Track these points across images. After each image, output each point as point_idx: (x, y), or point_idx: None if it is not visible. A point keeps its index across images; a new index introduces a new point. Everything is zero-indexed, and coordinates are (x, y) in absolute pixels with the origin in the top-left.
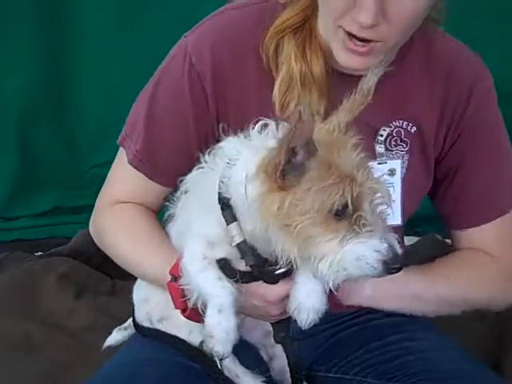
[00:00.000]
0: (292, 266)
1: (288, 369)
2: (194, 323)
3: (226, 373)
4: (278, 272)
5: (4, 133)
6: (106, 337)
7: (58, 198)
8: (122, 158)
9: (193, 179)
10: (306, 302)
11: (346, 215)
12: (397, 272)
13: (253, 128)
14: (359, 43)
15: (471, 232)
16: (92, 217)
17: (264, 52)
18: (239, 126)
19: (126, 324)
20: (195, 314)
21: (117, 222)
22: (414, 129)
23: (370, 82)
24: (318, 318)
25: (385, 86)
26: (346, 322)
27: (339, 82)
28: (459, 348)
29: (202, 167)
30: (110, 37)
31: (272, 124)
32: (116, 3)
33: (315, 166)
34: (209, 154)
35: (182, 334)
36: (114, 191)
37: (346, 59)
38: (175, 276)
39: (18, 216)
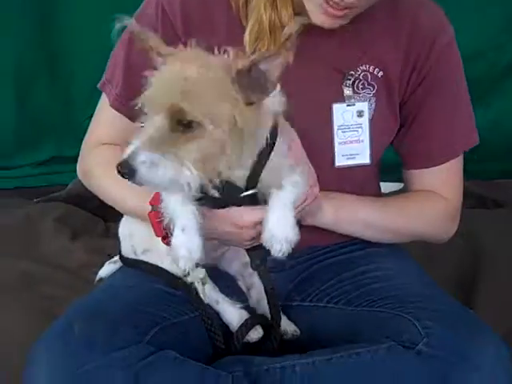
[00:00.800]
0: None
1: (265, 297)
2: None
3: (206, 299)
4: (243, 194)
5: (1, 85)
6: None
7: (55, 148)
8: (104, 102)
9: None
10: (279, 232)
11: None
12: (123, 175)
13: None
14: (335, 6)
15: (423, 173)
16: (78, 159)
17: (234, 1)
18: None
19: (116, 258)
20: None
21: (102, 163)
22: (381, 73)
23: (287, 31)
24: (291, 249)
25: (352, 32)
26: (319, 255)
27: (308, 27)
28: (425, 276)
29: None
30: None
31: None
32: None
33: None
34: None
35: (165, 265)
36: (98, 133)
37: (321, 20)
38: (156, 206)
39: (18, 165)
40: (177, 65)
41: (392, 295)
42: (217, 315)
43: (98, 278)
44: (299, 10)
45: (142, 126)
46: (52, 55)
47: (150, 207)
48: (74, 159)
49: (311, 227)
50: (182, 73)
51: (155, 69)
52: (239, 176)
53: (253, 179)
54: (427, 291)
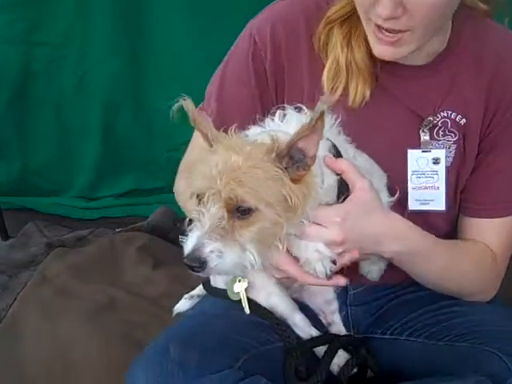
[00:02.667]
0: None
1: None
2: (271, 287)
3: (301, 333)
4: None
5: (89, 121)
6: None
7: (136, 179)
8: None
9: None
10: None
11: (196, 208)
12: (193, 270)
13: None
14: (387, 33)
15: (480, 223)
16: (176, 176)
17: (316, 41)
18: (293, 97)
19: (192, 292)
20: None
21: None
22: (464, 121)
23: (317, 110)
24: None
25: (434, 76)
26: (399, 291)
27: (386, 65)
28: (507, 309)
29: None
30: (182, 30)
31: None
32: (187, 5)
33: (203, 157)
34: None
35: (261, 298)
36: (189, 158)
37: (379, 50)
38: None
39: (101, 196)
40: (224, 155)
41: (476, 330)
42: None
43: (175, 313)
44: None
45: (197, 215)
46: (138, 91)
47: None
48: (153, 191)
49: (389, 265)
50: (231, 163)
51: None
52: None
53: None
54: None
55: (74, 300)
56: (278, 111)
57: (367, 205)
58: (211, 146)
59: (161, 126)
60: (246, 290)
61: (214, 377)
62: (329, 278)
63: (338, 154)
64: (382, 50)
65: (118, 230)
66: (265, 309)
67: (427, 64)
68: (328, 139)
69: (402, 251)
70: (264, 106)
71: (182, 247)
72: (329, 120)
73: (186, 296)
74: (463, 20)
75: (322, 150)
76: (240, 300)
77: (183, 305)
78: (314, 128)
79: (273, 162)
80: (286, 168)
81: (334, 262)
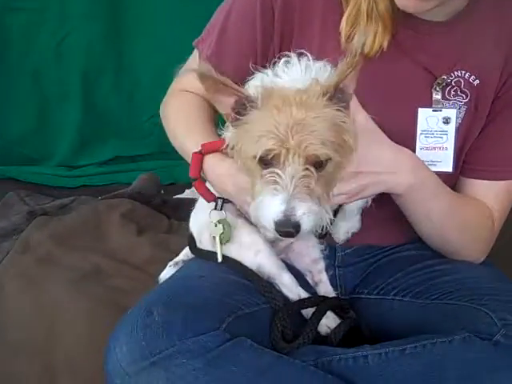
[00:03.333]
0: None
1: (333, 293)
2: (260, 245)
3: (289, 294)
4: None
5: (69, 87)
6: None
7: (119, 147)
8: (195, 55)
9: None
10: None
11: (269, 167)
12: (287, 236)
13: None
14: None
15: (481, 184)
16: (163, 101)
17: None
18: (301, 48)
19: (176, 259)
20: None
21: (180, 109)
22: (477, 82)
23: (356, 44)
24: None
25: (451, 34)
26: (385, 251)
27: (403, 18)
28: (497, 271)
29: None
30: None
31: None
32: None
33: (254, 117)
34: None
35: (249, 256)
36: (183, 81)
37: (403, 4)
38: (196, 177)
39: (84, 164)
40: (284, 109)
41: (463, 288)
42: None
43: (160, 281)
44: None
45: (271, 173)
46: (117, 55)
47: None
48: (137, 158)
49: (378, 227)
50: (295, 117)
51: None
52: None
53: None
54: (500, 284)
55: (57, 267)
56: (290, 59)
57: (374, 133)
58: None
59: (143, 92)
60: (233, 248)
61: (198, 338)
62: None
63: None
64: (405, 3)
65: (100, 197)
66: (251, 270)
67: (446, 21)
68: None
69: (416, 184)
70: (265, 52)
71: (165, 214)
72: None
73: (171, 263)
74: None
75: None
76: (226, 259)
77: (168, 272)
78: (356, 65)
79: (331, 107)
80: (341, 109)
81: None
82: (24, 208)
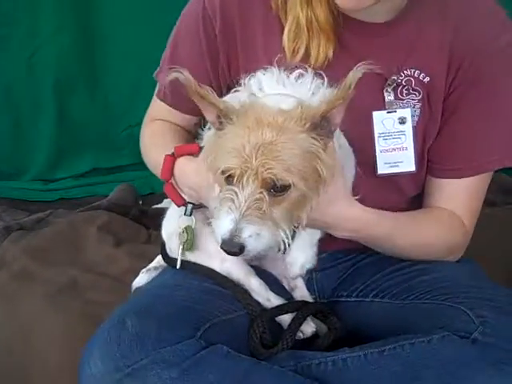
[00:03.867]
0: None
1: (310, 298)
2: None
3: (259, 298)
4: None
5: (42, 100)
6: None
7: (96, 159)
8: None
9: None
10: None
11: (230, 185)
12: (231, 255)
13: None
14: None
15: (450, 184)
16: (140, 134)
17: (273, 1)
18: (248, 69)
19: (149, 266)
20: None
21: (150, 136)
22: (428, 79)
23: (351, 78)
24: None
25: (395, 33)
26: (363, 254)
27: (346, 24)
28: (475, 268)
29: None
30: (135, 4)
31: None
32: None
33: (228, 132)
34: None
35: (215, 264)
36: (152, 112)
37: (340, 1)
38: (167, 180)
39: (60, 178)
40: (255, 128)
41: (440, 287)
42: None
43: (133, 288)
44: (334, 5)
45: (229, 195)
46: (90, 66)
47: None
48: (114, 170)
49: None
50: (264, 138)
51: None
52: None
53: None
54: (477, 282)
55: (33, 282)
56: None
57: (334, 193)
58: (222, 118)
59: (117, 103)
60: (202, 256)
61: (173, 348)
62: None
63: None
64: (344, 0)
65: (78, 210)
66: (225, 277)
67: (390, 21)
68: None
69: (355, 237)
70: (215, 73)
71: (143, 224)
72: None
73: (144, 270)
74: None
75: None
76: (199, 268)
77: (141, 279)
78: (344, 97)
79: (308, 134)
80: (318, 139)
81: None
82: (0, 224)
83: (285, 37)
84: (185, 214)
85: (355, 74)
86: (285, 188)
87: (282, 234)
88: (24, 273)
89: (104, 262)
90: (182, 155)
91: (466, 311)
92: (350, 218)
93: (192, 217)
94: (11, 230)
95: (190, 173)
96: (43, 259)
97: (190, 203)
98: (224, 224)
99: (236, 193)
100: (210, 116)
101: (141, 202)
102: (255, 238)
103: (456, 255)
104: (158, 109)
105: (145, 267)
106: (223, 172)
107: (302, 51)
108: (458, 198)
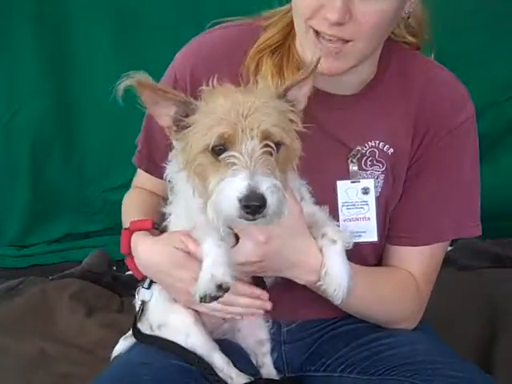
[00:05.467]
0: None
1: (276, 377)
2: (189, 327)
3: (221, 374)
4: None
5: (17, 165)
6: None
7: (70, 224)
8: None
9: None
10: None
11: (223, 155)
12: (254, 210)
13: None
14: (328, 44)
15: (405, 250)
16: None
17: (244, 71)
18: None
19: (128, 333)
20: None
21: (128, 202)
22: (391, 150)
23: (315, 60)
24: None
25: (362, 106)
26: (329, 325)
27: (315, 96)
28: (438, 341)
29: None
30: (112, 70)
31: None
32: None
33: (199, 116)
34: None
35: (180, 339)
36: (134, 181)
37: (324, 64)
38: (126, 253)
39: (33, 243)
40: (229, 96)
41: (407, 362)
42: None
43: (113, 355)
44: None
45: (228, 157)
46: (67, 132)
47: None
48: (88, 235)
49: (320, 300)
50: (242, 101)
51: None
52: None
53: None
54: (443, 358)
55: (3, 356)
56: None
57: (296, 230)
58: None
59: (94, 167)
60: (167, 331)
61: None
62: (203, 301)
63: None
64: (328, 64)
65: (50, 277)
66: (192, 353)
67: (355, 94)
68: None
69: (315, 282)
70: None
71: (116, 292)
72: None
73: (123, 337)
74: (391, 51)
75: None
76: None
77: (120, 346)
78: (309, 76)
79: (281, 99)
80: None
81: (221, 288)
82: None
83: None
84: (142, 286)
85: (316, 55)
86: (278, 144)
87: (286, 195)
88: None
89: (75, 333)
90: (136, 230)
91: None
92: (312, 254)
93: (150, 290)
94: None
95: (141, 250)
96: (13, 331)
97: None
98: (237, 184)
99: (235, 155)
100: (165, 120)
101: (114, 268)
102: (272, 190)
103: (411, 321)
104: (138, 175)
105: (118, 337)
106: (214, 146)
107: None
108: (414, 264)
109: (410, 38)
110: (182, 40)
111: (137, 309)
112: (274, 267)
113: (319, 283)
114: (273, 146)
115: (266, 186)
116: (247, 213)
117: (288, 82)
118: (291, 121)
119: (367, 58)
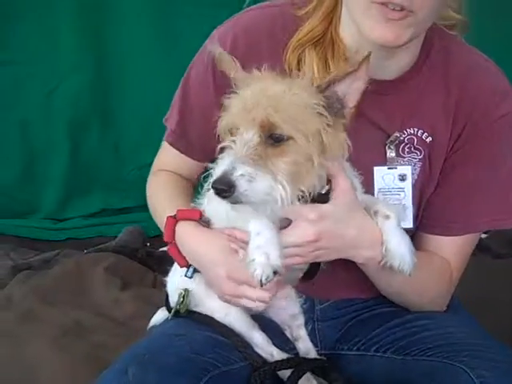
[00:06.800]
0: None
1: (313, 350)
2: (229, 307)
3: (260, 351)
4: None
5: (55, 139)
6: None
7: (105, 199)
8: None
9: None
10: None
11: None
12: (221, 194)
13: None
14: (393, 12)
15: (439, 240)
16: (147, 181)
17: (287, 66)
18: None
19: None
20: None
21: (155, 186)
22: (430, 139)
23: (362, 56)
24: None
25: (402, 92)
26: (365, 305)
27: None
28: (476, 324)
29: None
30: (148, 45)
31: None
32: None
33: (235, 95)
34: None
35: (218, 317)
36: (158, 162)
37: (380, 32)
38: (169, 241)
39: (69, 217)
40: (259, 84)
41: (443, 344)
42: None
43: (151, 324)
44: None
45: (229, 145)
46: (103, 107)
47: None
48: (122, 211)
49: (353, 281)
50: (267, 90)
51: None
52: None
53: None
54: (480, 340)
55: (39, 323)
56: None
57: (348, 206)
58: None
59: (129, 144)
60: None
61: None
62: (261, 284)
63: None
64: (386, 30)
65: (85, 251)
66: (226, 327)
67: (395, 79)
68: None
69: (376, 258)
70: None
71: (150, 267)
72: None
73: (160, 309)
74: (433, 37)
75: None
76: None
77: (159, 316)
78: (355, 73)
79: (313, 94)
80: (325, 107)
81: (276, 273)
82: (8, 263)
83: None
84: (185, 275)
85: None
86: (283, 139)
87: (281, 189)
88: (30, 314)
89: (109, 306)
90: (183, 219)
91: (467, 371)
92: (370, 228)
93: (192, 279)
94: (19, 270)
95: (188, 239)
96: (50, 300)
97: (192, 265)
98: (219, 166)
99: (234, 141)
100: None
101: (148, 244)
102: (248, 179)
103: (440, 304)
104: (164, 156)
105: (151, 311)
106: (228, 130)
107: None
108: (447, 252)
109: (457, 16)
110: (219, 17)
111: (169, 292)
112: (333, 246)
113: (384, 260)
114: (262, 136)
115: (240, 172)
116: (216, 194)
117: (331, 75)
118: (322, 116)
119: (416, 38)
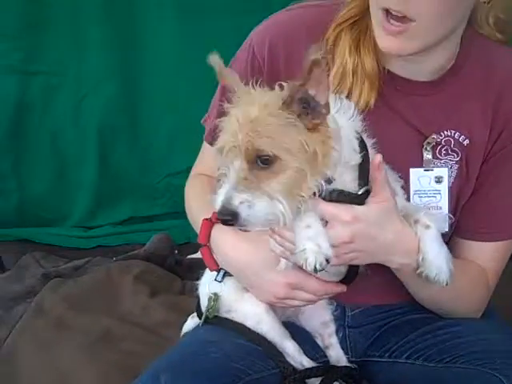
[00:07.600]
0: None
1: (344, 358)
2: (262, 315)
3: (291, 361)
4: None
5: (87, 147)
6: (179, 330)
7: (134, 207)
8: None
9: None
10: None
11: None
12: (227, 224)
13: None
14: (394, 23)
15: (476, 245)
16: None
17: (324, 44)
18: None
19: None
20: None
21: (192, 191)
22: (467, 141)
23: (308, 61)
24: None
25: (439, 93)
26: (395, 313)
27: (391, 80)
28: (509, 330)
29: None
30: (179, 55)
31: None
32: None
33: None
34: None
35: (250, 324)
36: (198, 164)
37: (384, 42)
38: (203, 244)
39: (99, 225)
40: (242, 108)
41: (476, 351)
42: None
43: (182, 333)
44: (381, 56)
45: (224, 172)
46: (132, 116)
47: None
48: (152, 219)
49: (382, 287)
50: (247, 115)
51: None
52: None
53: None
54: None
55: (70, 331)
56: None
57: (386, 212)
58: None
59: (158, 152)
60: (237, 317)
61: None
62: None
63: (363, 146)
64: (388, 43)
65: (114, 258)
66: (258, 334)
67: (433, 81)
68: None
69: (411, 265)
70: None
71: (178, 274)
72: (352, 112)
73: (191, 316)
74: (473, 39)
75: (349, 128)
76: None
77: (190, 324)
78: (309, 81)
79: (283, 109)
80: (299, 115)
81: (328, 261)
82: (39, 270)
83: (330, 78)
84: (215, 279)
85: (309, 55)
86: (270, 160)
87: (280, 206)
88: (61, 321)
89: (139, 313)
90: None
91: (501, 378)
92: (407, 235)
93: (222, 283)
94: (49, 278)
95: (222, 244)
96: (80, 308)
97: (223, 269)
98: (218, 197)
99: (228, 168)
100: None
101: (176, 252)
102: (248, 205)
103: (475, 310)
104: (205, 157)
105: (184, 321)
106: (219, 150)
107: (343, 95)
108: (484, 259)
109: (499, 36)
110: (247, 24)
111: (201, 296)
112: (366, 249)
113: (420, 270)
114: (246, 165)
115: (238, 201)
116: (222, 223)
117: (291, 88)
118: (298, 125)
119: (440, 43)
